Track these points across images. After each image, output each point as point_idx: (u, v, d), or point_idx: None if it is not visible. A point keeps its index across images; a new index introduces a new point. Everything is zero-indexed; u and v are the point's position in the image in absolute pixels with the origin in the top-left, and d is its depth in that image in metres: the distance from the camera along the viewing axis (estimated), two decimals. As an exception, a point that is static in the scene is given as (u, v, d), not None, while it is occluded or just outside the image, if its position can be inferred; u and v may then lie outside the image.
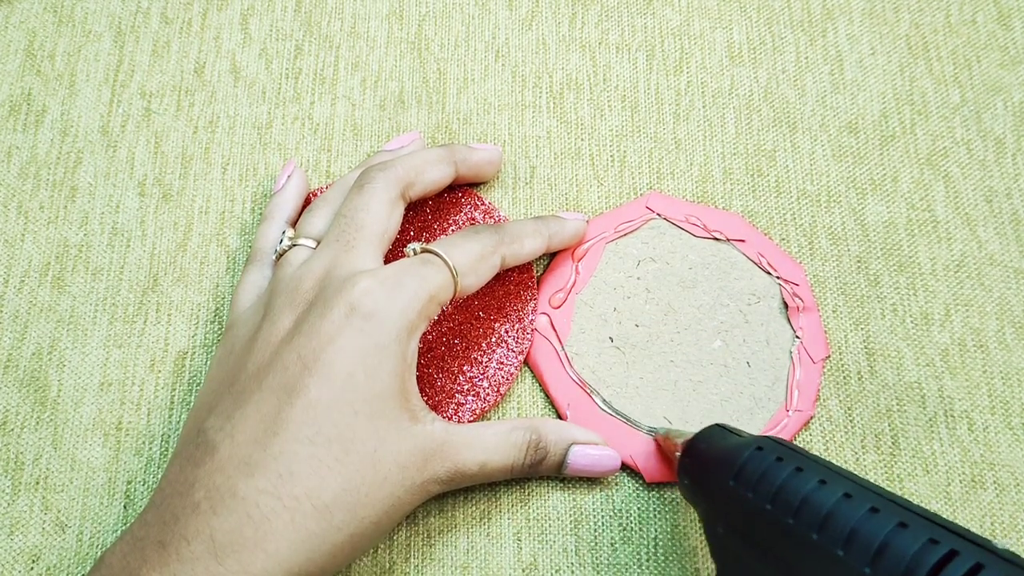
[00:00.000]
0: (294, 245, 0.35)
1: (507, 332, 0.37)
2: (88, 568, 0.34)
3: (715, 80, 0.43)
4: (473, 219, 0.39)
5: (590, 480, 0.36)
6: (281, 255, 0.35)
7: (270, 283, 0.34)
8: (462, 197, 0.40)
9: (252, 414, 0.28)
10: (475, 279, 0.33)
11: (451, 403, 0.35)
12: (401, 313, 0.30)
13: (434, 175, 0.36)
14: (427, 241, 0.38)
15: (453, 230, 0.39)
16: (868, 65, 0.44)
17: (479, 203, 0.39)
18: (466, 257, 0.32)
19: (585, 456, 0.34)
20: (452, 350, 0.37)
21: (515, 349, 0.37)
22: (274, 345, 0.30)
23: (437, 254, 0.32)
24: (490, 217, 0.39)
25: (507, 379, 0.36)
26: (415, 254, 0.33)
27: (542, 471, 0.34)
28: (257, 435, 0.28)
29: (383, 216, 0.33)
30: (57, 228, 0.40)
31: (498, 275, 0.36)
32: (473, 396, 0.36)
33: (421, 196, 0.36)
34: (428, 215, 0.39)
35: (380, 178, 0.34)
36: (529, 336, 0.37)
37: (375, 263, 0.33)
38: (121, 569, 0.27)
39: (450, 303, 0.33)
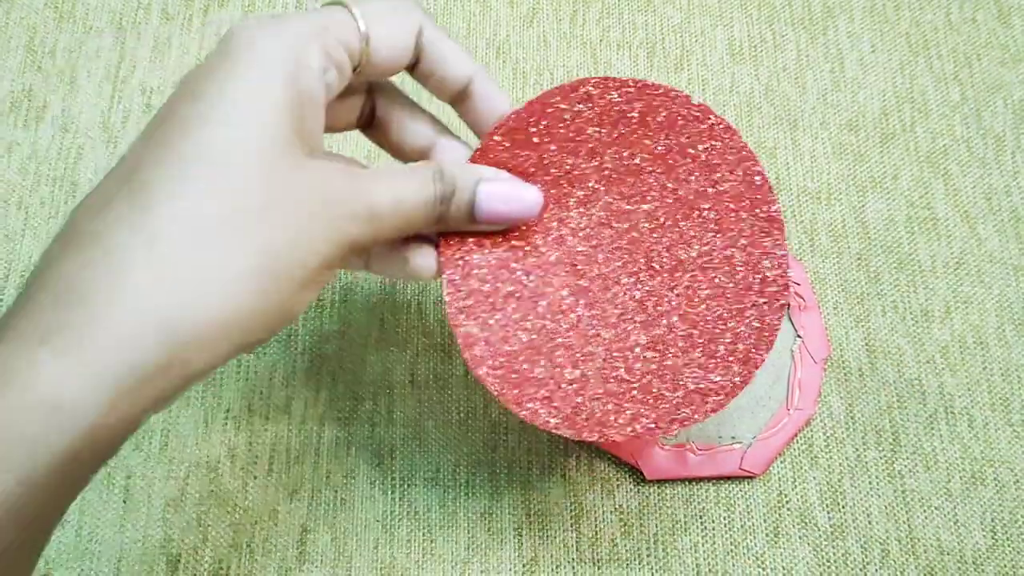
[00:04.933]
0: None
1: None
2: (86, 566, 0.34)
3: (716, 78, 0.43)
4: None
5: (590, 476, 0.36)
6: None
7: None
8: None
9: (115, 167, 0.24)
10: (388, 30, 0.28)
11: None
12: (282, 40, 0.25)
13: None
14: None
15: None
16: (869, 63, 0.44)
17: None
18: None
19: (497, 190, 0.28)
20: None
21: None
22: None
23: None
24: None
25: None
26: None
27: (453, 214, 0.28)
28: (118, 177, 0.23)
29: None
30: (58, 224, 0.40)
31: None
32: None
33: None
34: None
35: None
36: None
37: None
38: None
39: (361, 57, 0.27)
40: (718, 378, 0.27)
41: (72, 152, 0.41)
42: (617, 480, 0.36)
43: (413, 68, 0.29)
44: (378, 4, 0.28)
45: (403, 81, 0.30)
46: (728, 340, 0.27)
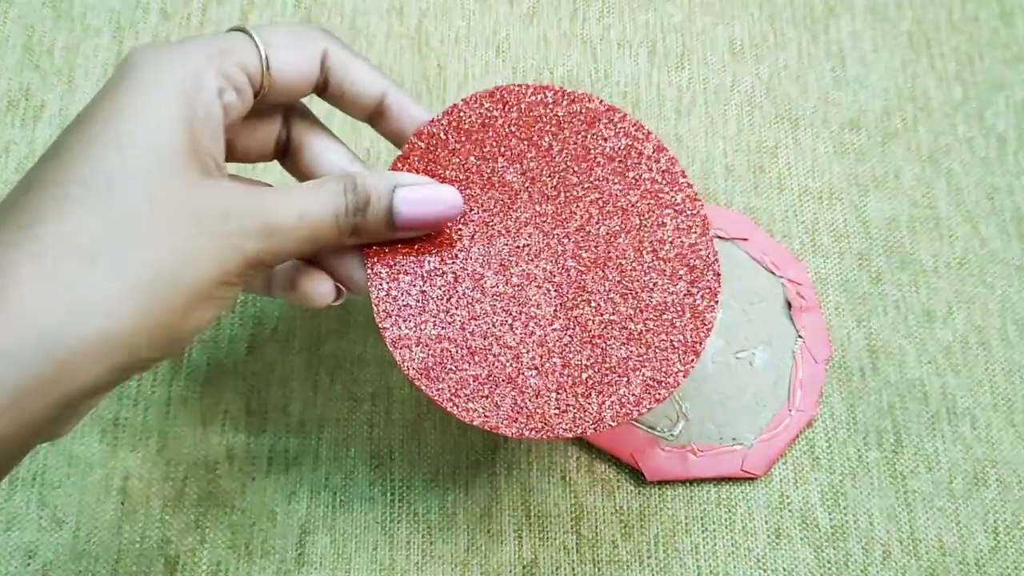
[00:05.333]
0: None
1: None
2: (84, 567, 0.34)
3: (717, 76, 0.43)
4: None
5: (591, 478, 0.35)
6: None
7: None
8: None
9: (7, 195, 0.25)
10: (289, 54, 0.28)
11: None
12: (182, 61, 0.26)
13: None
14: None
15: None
16: (870, 62, 0.44)
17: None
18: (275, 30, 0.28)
19: (415, 195, 0.28)
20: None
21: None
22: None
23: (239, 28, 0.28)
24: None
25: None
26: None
27: (371, 224, 0.28)
28: (7, 202, 0.24)
29: None
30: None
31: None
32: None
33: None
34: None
35: None
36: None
37: None
38: None
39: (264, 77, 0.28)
40: (659, 369, 0.28)
41: (70, 151, 0.41)
42: (617, 481, 0.36)
43: (324, 91, 0.29)
44: (280, 30, 0.29)
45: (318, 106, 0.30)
46: (665, 331, 0.28)
